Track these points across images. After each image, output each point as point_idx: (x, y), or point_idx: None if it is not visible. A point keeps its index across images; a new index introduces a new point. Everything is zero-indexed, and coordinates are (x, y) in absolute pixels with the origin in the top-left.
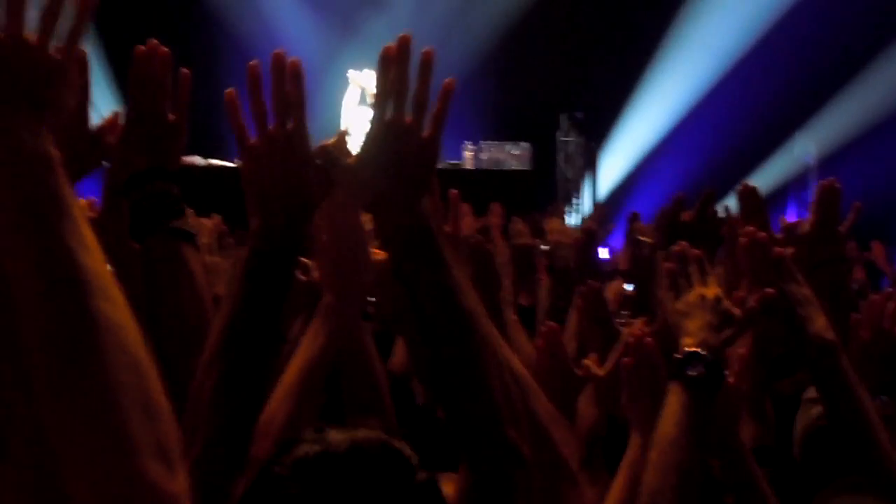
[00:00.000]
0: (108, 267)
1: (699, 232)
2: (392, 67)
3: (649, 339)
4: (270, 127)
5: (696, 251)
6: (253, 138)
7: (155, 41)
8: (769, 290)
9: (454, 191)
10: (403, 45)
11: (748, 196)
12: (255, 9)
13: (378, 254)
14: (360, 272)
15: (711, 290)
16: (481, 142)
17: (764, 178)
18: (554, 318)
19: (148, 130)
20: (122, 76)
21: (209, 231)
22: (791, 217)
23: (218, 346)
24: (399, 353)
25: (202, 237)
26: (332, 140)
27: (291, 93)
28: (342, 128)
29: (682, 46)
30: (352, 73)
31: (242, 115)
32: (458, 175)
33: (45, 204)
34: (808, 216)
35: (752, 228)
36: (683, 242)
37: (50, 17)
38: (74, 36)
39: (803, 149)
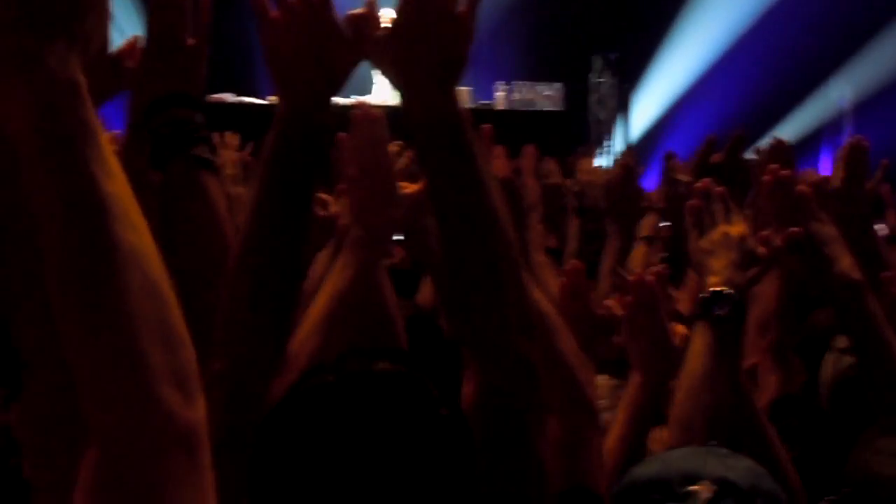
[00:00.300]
0: (132, 196)
1: (729, 173)
2: None
3: (651, 277)
4: None
5: (720, 188)
6: (273, 10)
7: None
8: (794, 228)
9: (487, 126)
10: None
11: (778, 150)
12: None
13: (406, 187)
14: (388, 205)
15: (736, 229)
16: (513, 82)
17: (798, 122)
18: (583, 258)
19: (168, 55)
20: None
21: (233, 162)
22: (824, 162)
23: (246, 244)
24: (426, 290)
25: (227, 168)
26: (361, 9)
27: None
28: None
29: None
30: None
31: None
32: (490, 115)
33: (70, 130)
34: (836, 172)
35: (775, 166)
36: (707, 179)
37: None
38: None
39: (839, 92)
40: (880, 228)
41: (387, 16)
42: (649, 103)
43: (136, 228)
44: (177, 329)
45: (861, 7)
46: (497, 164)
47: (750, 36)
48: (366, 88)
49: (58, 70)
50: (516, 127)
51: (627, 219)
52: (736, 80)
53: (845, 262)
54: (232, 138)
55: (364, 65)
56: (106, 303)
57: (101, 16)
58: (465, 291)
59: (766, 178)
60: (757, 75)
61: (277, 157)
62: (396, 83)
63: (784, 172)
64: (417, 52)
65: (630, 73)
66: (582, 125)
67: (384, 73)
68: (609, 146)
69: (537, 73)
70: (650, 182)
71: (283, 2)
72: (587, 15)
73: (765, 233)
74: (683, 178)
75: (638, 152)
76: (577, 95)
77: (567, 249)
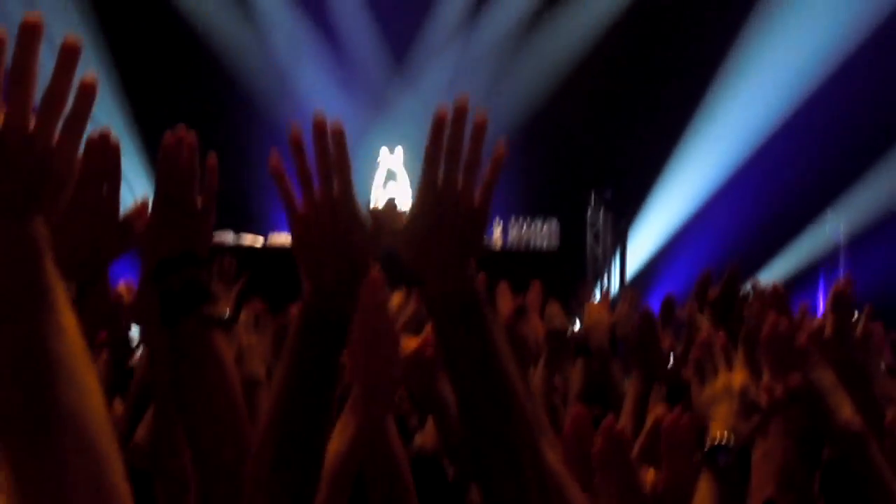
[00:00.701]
0: (84, 353)
1: (724, 308)
2: (444, 130)
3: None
4: (316, 192)
5: (722, 339)
6: (300, 205)
7: (183, 127)
8: (795, 378)
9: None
10: (461, 107)
11: (773, 297)
12: (286, 86)
13: (407, 343)
14: (389, 367)
15: (738, 378)
16: (511, 218)
17: (794, 256)
18: (588, 399)
19: (176, 216)
20: (153, 151)
21: (246, 311)
22: (823, 293)
23: (270, 417)
24: (429, 431)
25: (241, 315)
26: (382, 206)
27: (336, 156)
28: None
29: (711, 124)
30: (383, 152)
31: (289, 183)
32: (487, 256)
33: (21, 289)
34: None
35: (774, 318)
36: (708, 332)
37: (50, 106)
38: (72, 126)
39: (833, 227)
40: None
41: (396, 158)
42: (646, 239)
43: (80, 387)
44: (112, 485)
45: (852, 143)
46: (502, 301)
47: (744, 171)
48: None
49: (14, 228)
50: (514, 265)
51: (650, 364)
52: (731, 215)
53: (846, 412)
54: (230, 264)
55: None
56: (39, 460)
57: (67, 176)
58: (486, 463)
59: (765, 329)
60: (752, 209)
61: (303, 341)
62: (415, 269)
63: (783, 326)
64: (435, 243)
65: (626, 209)
66: (579, 262)
67: (403, 258)
68: (607, 282)
69: (534, 210)
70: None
71: (310, 196)
72: (583, 153)
73: (766, 382)
74: (704, 325)
75: (636, 291)
76: (573, 232)
77: (570, 390)
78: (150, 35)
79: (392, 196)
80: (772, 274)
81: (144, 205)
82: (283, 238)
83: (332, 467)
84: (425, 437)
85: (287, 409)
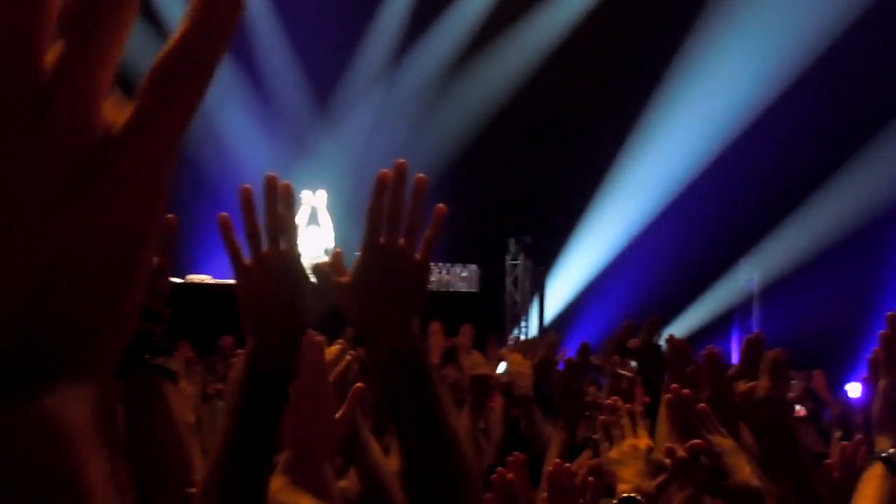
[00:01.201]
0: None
1: (645, 358)
2: (386, 191)
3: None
4: (264, 248)
5: (628, 405)
6: (247, 259)
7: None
8: (695, 441)
9: None
10: (400, 170)
11: (675, 349)
12: (210, 127)
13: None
14: (326, 431)
15: (643, 441)
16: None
17: (709, 305)
18: (511, 447)
19: None
20: None
21: (177, 359)
22: (735, 341)
23: (215, 469)
24: (353, 478)
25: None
26: (327, 260)
27: (284, 214)
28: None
29: (629, 173)
30: (305, 194)
31: (235, 236)
32: None
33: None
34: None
35: (676, 386)
36: (616, 398)
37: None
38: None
39: (747, 276)
40: (798, 409)
41: (318, 198)
42: (564, 284)
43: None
44: None
45: (767, 194)
46: (434, 339)
47: (661, 220)
48: None
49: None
50: (433, 307)
51: (574, 413)
52: (648, 263)
53: (745, 472)
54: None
55: None
56: None
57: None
58: None
59: (666, 396)
60: (669, 258)
61: (247, 392)
62: (359, 323)
63: (685, 392)
64: (378, 299)
65: (545, 255)
66: (498, 306)
67: (348, 315)
68: (525, 327)
69: (454, 256)
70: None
71: (257, 252)
72: (503, 198)
73: (669, 444)
74: (625, 373)
75: (557, 335)
76: (493, 277)
77: (491, 437)
78: None
79: (335, 249)
80: (687, 321)
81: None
82: (200, 278)
83: None
84: (349, 482)
85: (230, 459)
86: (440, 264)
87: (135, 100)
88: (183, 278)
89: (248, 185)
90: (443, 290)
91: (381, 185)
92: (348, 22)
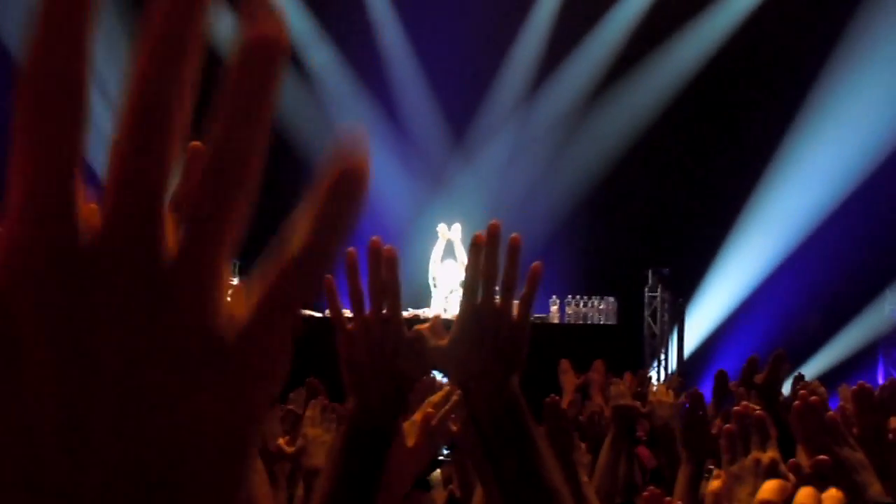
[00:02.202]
0: None
1: (769, 393)
2: (481, 252)
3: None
4: (367, 312)
5: (759, 413)
6: (350, 323)
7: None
8: (823, 456)
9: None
10: (493, 231)
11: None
12: None
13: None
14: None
15: (768, 455)
16: (568, 296)
17: (853, 335)
18: (656, 481)
19: None
20: None
21: (312, 404)
22: (882, 373)
23: None
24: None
25: (307, 409)
26: (426, 325)
27: (388, 279)
28: (431, 279)
29: (768, 203)
30: (441, 227)
31: (339, 300)
32: (545, 329)
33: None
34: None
35: (804, 392)
36: (745, 403)
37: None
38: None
39: (893, 306)
40: None
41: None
42: (703, 317)
43: None
44: None
45: None
46: (565, 377)
47: (802, 250)
48: (424, 302)
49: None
50: (571, 340)
51: (698, 446)
52: (789, 294)
53: (875, 489)
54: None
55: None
56: None
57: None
58: None
59: (796, 403)
60: (810, 289)
61: (347, 456)
62: (461, 386)
63: (813, 398)
64: (476, 359)
65: (683, 287)
66: (636, 338)
67: (448, 375)
68: (664, 359)
69: (590, 288)
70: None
71: (359, 315)
72: (641, 231)
73: (794, 460)
74: (753, 406)
75: (688, 371)
76: (631, 309)
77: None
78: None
79: (435, 314)
80: (831, 353)
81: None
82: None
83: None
84: None
85: None
86: (578, 297)
87: (258, 289)
88: (323, 312)
89: (352, 249)
90: (580, 322)
91: (476, 246)
92: (483, 56)
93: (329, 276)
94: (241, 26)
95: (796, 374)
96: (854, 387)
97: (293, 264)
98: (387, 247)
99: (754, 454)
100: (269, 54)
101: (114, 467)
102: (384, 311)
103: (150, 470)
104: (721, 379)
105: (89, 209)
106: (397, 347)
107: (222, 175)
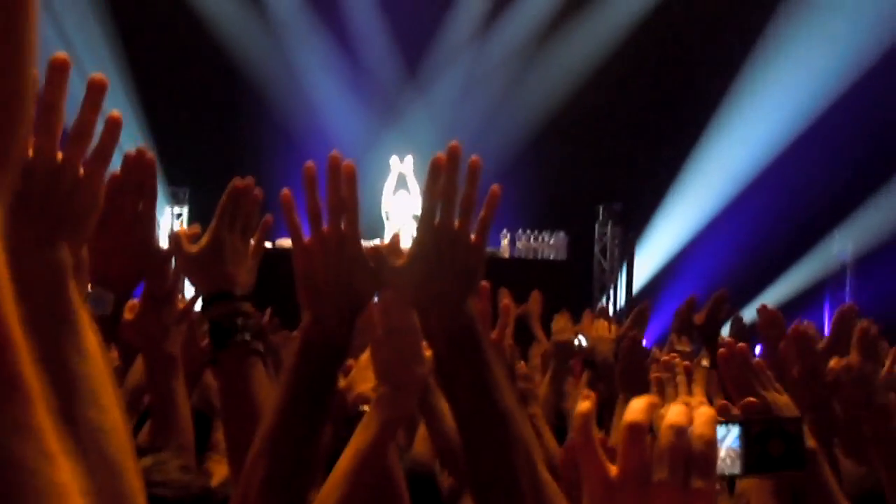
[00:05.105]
0: (104, 373)
1: (709, 332)
2: (440, 175)
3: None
4: (324, 227)
5: (686, 363)
6: (307, 237)
7: (251, 180)
8: (750, 399)
9: (484, 283)
10: (453, 154)
11: (769, 319)
12: (299, 90)
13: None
14: (415, 363)
15: (696, 399)
16: (519, 230)
17: (800, 276)
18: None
19: (229, 253)
20: (172, 175)
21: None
22: (828, 313)
23: (267, 435)
24: (422, 439)
25: None
26: (385, 243)
27: (346, 195)
28: (384, 212)
29: (720, 140)
30: (394, 160)
31: (297, 214)
32: (495, 263)
33: (45, 314)
34: (825, 336)
35: (731, 340)
36: (673, 354)
37: (78, 139)
38: (98, 158)
39: (841, 247)
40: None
41: (407, 164)
42: (653, 253)
43: (101, 407)
44: (130, 498)
45: (862, 163)
46: (504, 306)
47: (754, 188)
48: (377, 234)
49: (39, 255)
50: (521, 274)
51: (635, 388)
52: (739, 232)
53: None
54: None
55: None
56: None
57: (94, 203)
58: (484, 483)
59: (721, 350)
60: (760, 227)
61: (299, 367)
62: (417, 306)
63: (740, 346)
64: (433, 280)
65: (634, 223)
66: (586, 274)
67: (406, 297)
68: (613, 294)
69: (543, 223)
70: (651, 333)
71: (317, 230)
72: (592, 166)
73: (721, 401)
74: (683, 349)
75: (646, 309)
76: (581, 244)
77: (569, 402)
78: (169, 46)
79: (395, 232)
80: (778, 292)
81: (195, 232)
82: (290, 243)
83: (355, 461)
84: (418, 444)
85: (280, 430)
86: (528, 231)
87: None
88: (272, 243)
89: (311, 163)
90: (531, 257)
91: (435, 168)
92: None
93: (286, 190)
94: None
95: (735, 314)
96: (792, 329)
97: None
98: (346, 162)
99: (682, 398)
100: None
101: None
102: (343, 227)
103: None
104: (683, 313)
105: None
106: (353, 264)
107: None
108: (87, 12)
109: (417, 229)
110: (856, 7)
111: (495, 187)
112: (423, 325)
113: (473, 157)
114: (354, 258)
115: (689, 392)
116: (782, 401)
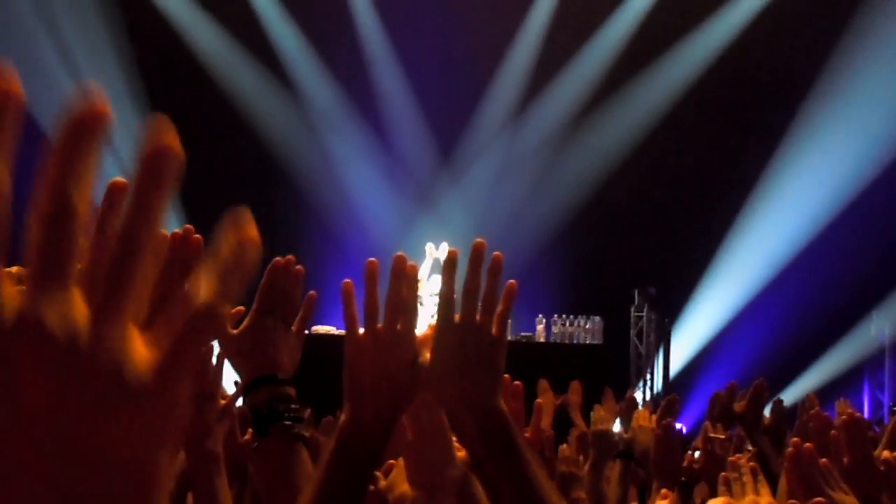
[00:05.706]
0: None
1: (751, 421)
2: (455, 268)
3: None
4: (380, 325)
5: (753, 464)
6: (361, 331)
7: (292, 257)
8: (818, 499)
9: (518, 384)
10: (478, 249)
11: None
12: (337, 182)
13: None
14: (446, 466)
15: (765, 499)
16: (554, 315)
17: (839, 358)
18: None
19: (272, 335)
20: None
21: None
22: (867, 394)
23: None
24: None
25: None
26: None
27: (406, 296)
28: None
29: (756, 224)
30: (429, 246)
31: (356, 306)
32: (531, 347)
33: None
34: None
35: (798, 440)
36: (740, 455)
37: None
38: None
39: (879, 328)
40: None
41: (442, 250)
42: (689, 337)
43: None
44: None
45: None
46: (544, 398)
47: (790, 271)
48: None
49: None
50: (557, 359)
51: (670, 476)
52: (776, 315)
53: None
54: None
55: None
56: None
57: None
58: None
59: (789, 451)
60: (797, 310)
61: (336, 460)
62: (443, 404)
63: (807, 446)
64: (458, 378)
65: (670, 307)
66: (622, 359)
67: (436, 396)
68: (650, 380)
69: (577, 307)
70: (689, 418)
71: (372, 327)
72: (627, 251)
73: (791, 501)
74: (718, 436)
75: (676, 400)
76: (617, 329)
77: (610, 491)
78: (208, 135)
79: (429, 324)
80: (816, 374)
81: (237, 313)
82: (326, 329)
83: None
84: None
85: None
86: (563, 316)
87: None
88: (309, 330)
89: (374, 260)
90: (567, 342)
91: (450, 262)
92: (472, 74)
93: (348, 281)
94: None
95: (776, 398)
96: (844, 416)
97: (201, 312)
98: (410, 264)
99: (750, 498)
100: (162, 163)
101: (38, 492)
102: (398, 328)
103: (70, 494)
104: (724, 400)
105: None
106: (402, 365)
107: (122, 258)
108: (125, 105)
109: (437, 327)
110: (890, 93)
111: (512, 282)
112: (453, 425)
113: (496, 253)
114: (405, 359)
115: (757, 491)
116: (849, 501)
